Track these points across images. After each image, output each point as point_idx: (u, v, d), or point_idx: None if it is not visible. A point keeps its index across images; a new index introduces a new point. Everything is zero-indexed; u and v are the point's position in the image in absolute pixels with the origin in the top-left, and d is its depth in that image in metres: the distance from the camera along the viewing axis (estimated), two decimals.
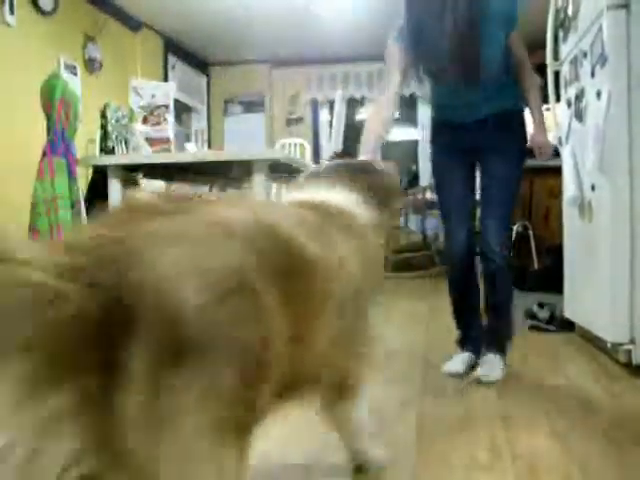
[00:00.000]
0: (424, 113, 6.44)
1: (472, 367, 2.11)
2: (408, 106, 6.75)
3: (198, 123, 6.56)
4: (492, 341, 2.12)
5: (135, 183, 3.06)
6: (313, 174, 1.37)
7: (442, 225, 2.28)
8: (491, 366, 2.04)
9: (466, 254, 2.13)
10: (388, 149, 6.94)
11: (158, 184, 3.46)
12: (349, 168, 1.34)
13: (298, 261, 0.84)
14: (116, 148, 3.28)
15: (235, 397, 0.69)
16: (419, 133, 6.82)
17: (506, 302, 2.13)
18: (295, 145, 4.91)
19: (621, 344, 2.16)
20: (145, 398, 0.62)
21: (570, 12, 2.66)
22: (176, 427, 0.64)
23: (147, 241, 0.67)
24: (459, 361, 2.13)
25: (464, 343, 2.20)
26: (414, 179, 6.74)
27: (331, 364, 1.01)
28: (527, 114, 2.17)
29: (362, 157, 1.84)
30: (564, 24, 2.78)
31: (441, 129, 2.22)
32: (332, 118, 2.92)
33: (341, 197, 1.18)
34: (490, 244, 2.03)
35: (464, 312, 2.20)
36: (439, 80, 2.12)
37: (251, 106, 6.74)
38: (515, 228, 5.11)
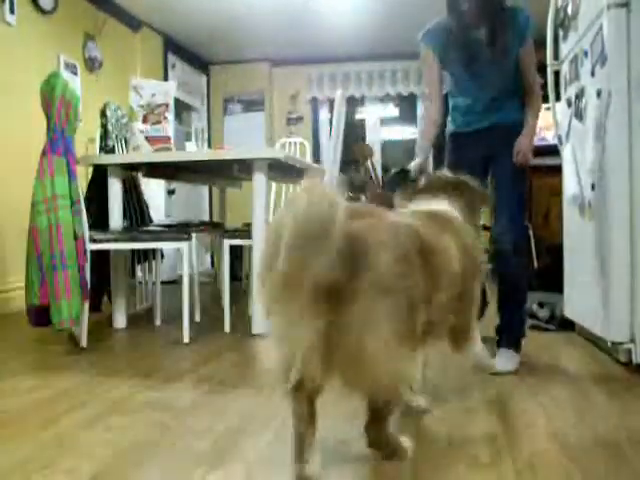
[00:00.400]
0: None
1: None
2: (408, 104, 6.75)
3: (198, 122, 6.56)
4: (508, 337, 2.25)
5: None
6: (421, 189, 1.79)
7: None
8: (507, 360, 2.17)
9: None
10: (388, 147, 6.94)
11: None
12: (447, 184, 1.75)
13: (428, 248, 1.33)
14: (116, 147, 3.28)
15: (404, 317, 1.19)
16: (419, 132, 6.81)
17: (521, 300, 2.29)
18: (295, 144, 4.90)
19: (621, 343, 2.16)
20: (365, 309, 1.13)
21: (570, 11, 2.66)
22: (378, 328, 1.15)
23: (368, 228, 1.21)
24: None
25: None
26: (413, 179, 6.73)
27: (452, 315, 1.46)
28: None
29: (418, 158, 2.28)
30: (564, 23, 2.78)
31: (458, 139, 2.43)
32: (332, 117, 2.92)
33: (444, 206, 1.64)
34: (502, 235, 2.24)
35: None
36: (463, 79, 2.34)
37: (251, 105, 6.74)
38: None
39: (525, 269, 2.33)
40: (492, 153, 2.31)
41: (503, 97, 2.30)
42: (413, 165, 2.26)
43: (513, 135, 2.24)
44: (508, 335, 2.25)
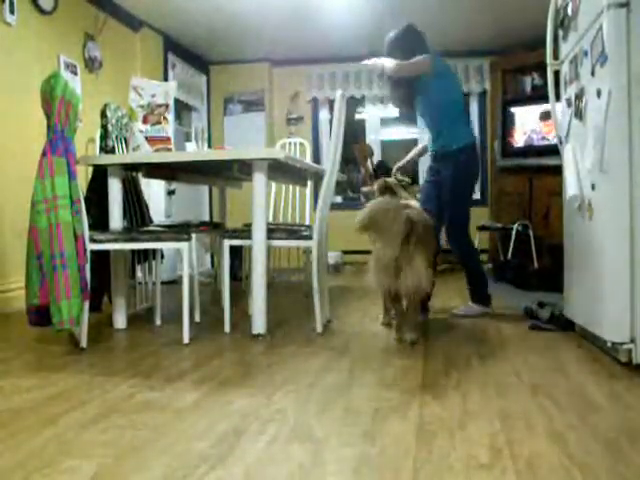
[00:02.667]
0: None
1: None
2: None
3: (198, 122, 6.55)
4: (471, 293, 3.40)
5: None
6: (385, 188, 3.14)
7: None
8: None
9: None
10: (388, 148, 6.94)
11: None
12: (396, 185, 3.21)
13: (428, 222, 2.63)
14: (116, 147, 3.27)
15: (430, 253, 2.58)
16: (418, 132, 6.82)
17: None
18: (295, 144, 4.90)
19: (621, 344, 2.16)
20: (413, 249, 2.46)
21: (570, 11, 2.66)
22: (417, 258, 2.46)
23: (413, 212, 2.53)
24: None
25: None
26: (413, 178, 6.74)
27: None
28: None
29: (397, 165, 3.61)
30: (564, 23, 2.78)
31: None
32: (332, 117, 2.92)
33: (411, 201, 2.95)
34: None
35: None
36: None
37: (251, 105, 6.74)
38: (515, 227, 5.11)
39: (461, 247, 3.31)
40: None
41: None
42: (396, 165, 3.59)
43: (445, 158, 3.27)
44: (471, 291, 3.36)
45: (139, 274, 3.48)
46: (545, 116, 5.35)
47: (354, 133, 6.45)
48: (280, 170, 3.22)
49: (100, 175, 3.07)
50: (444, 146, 3.22)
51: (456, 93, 3.31)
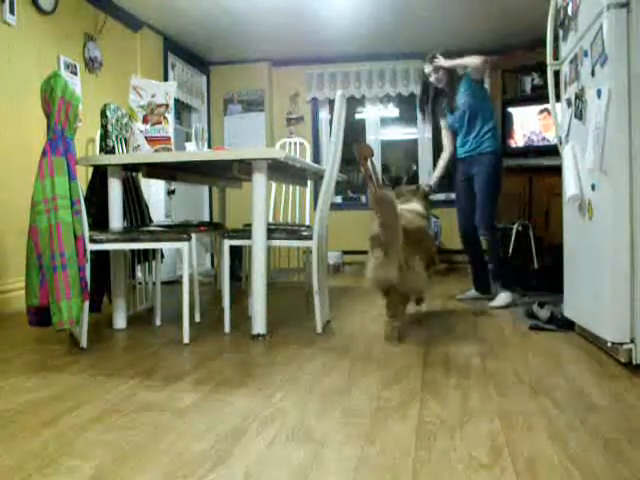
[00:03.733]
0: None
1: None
2: (408, 105, 6.75)
3: (198, 122, 6.55)
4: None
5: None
6: (399, 193, 3.31)
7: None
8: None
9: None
10: (388, 148, 6.94)
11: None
12: (408, 191, 3.40)
13: (423, 223, 3.02)
14: (116, 147, 3.27)
15: (427, 253, 2.80)
16: (419, 133, 6.82)
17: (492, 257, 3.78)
18: (295, 144, 4.90)
19: (621, 344, 2.16)
20: (410, 250, 2.56)
21: (570, 11, 2.66)
22: (416, 259, 2.60)
23: (403, 213, 2.76)
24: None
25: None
26: (413, 178, 6.75)
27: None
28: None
29: (433, 182, 3.92)
30: (564, 23, 2.78)
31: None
32: (332, 117, 2.92)
33: (414, 204, 3.21)
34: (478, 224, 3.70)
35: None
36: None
37: (251, 105, 6.74)
38: (515, 227, 5.11)
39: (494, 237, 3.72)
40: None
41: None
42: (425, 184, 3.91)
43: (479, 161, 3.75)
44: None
45: (139, 274, 3.48)
46: (543, 111, 5.39)
47: (354, 133, 6.45)
48: (280, 170, 3.22)
49: (100, 175, 3.07)
50: (484, 147, 3.67)
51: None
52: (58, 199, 2.43)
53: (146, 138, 2.95)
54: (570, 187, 2.62)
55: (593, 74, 2.34)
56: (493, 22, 5.45)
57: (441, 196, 6.14)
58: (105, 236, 2.67)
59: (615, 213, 2.17)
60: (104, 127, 3.21)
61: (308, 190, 4.38)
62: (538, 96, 5.37)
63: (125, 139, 3.30)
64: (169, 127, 3.02)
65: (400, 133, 7.12)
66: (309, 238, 2.87)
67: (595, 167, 2.29)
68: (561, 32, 2.85)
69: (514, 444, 1.46)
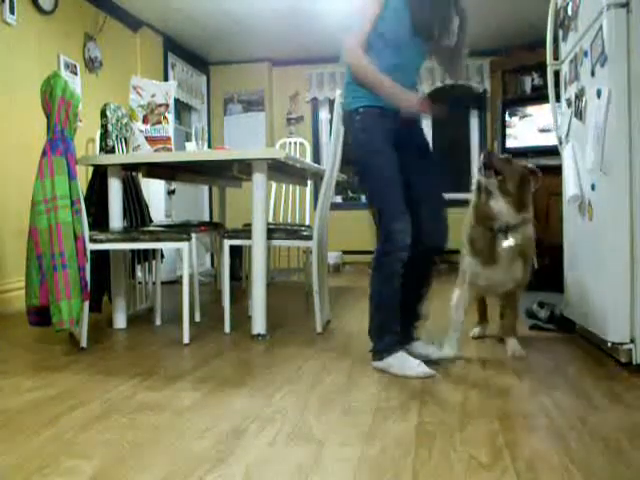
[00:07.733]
0: None
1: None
2: None
3: (198, 122, 6.56)
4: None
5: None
6: None
7: None
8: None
9: None
10: None
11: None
12: None
13: None
14: (116, 147, 3.27)
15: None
16: None
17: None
18: (295, 144, 4.90)
19: (621, 344, 2.16)
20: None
21: (570, 11, 2.66)
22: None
23: None
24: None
25: None
26: None
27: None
28: None
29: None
30: (564, 23, 2.78)
31: None
32: (332, 117, 2.92)
33: None
34: None
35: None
36: None
37: (251, 105, 6.74)
38: None
39: None
40: None
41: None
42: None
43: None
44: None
45: (139, 274, 3.48)
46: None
47: None
48: (280, 170, 3.22)
49: (100, 175, 3.07)
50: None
51: None
52: (58, 199, 2.43)
53: (146, 138, 2.95)
54: (570, 187, 2.62)
55: (593, 74, 2.33)
56: (493, 22, 5.45)
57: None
58: (105, 236, 2.67)
59: (615, 213, 2.17)
60: (104, 127, 3.20)
61: (308, 190, 4.38)
62: (538, 96, 5.37)
63: (125, 139, 3.29)
64: (169, 127, 3.02)
65: None
66: (309, 238, 2.87)
67: (595, 167, 2.29)
68: (561, 32, 2.85)
69: (514, 444, 1.46)
